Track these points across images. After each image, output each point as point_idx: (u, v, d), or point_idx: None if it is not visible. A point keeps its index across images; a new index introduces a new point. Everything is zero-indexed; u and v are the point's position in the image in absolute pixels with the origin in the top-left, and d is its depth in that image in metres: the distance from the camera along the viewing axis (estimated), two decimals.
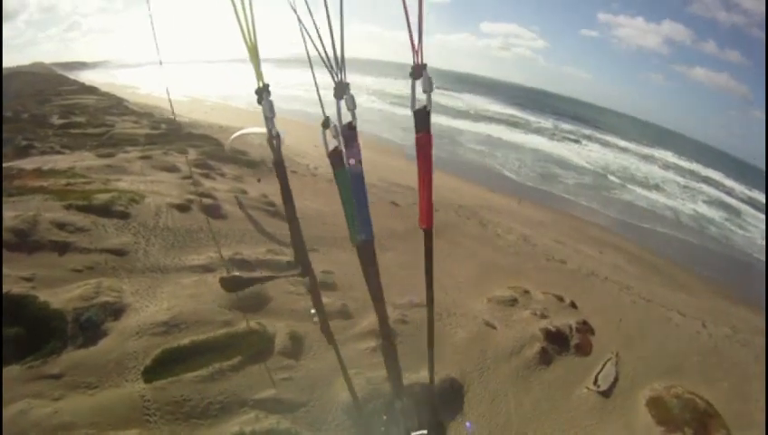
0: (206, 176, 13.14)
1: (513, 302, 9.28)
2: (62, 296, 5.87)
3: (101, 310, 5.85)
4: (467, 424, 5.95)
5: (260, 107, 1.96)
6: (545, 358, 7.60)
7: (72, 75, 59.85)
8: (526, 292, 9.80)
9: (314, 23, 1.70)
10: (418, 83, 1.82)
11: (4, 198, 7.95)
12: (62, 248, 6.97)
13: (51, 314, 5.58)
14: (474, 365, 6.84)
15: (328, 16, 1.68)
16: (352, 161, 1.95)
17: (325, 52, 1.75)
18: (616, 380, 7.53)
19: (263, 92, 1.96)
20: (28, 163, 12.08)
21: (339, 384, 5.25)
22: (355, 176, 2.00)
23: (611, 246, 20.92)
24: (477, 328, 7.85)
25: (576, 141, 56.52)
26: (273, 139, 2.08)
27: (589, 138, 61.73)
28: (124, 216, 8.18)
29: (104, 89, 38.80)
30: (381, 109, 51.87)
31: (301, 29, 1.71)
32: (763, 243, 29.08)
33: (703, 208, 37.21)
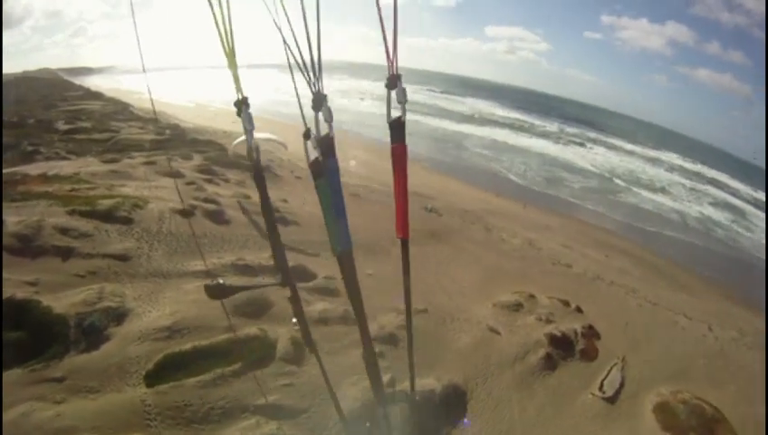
0: (210, 181, 13.17)
1: (517, 307, 9.22)
2: (64, 301, 5.87)
3: (104, 315, 5.84)
4: (465, 421, 5.90)
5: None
6: (550, 363, 7.54)
7: (78, 81, 60.27)
8: (531, 296, 9.74)
9: (293, 34, 1.70)
10: (395, 94, 1.82)
11: (8, 204, 7.99)
12: (66, 253, 6.98)
13: (53, 318, 5.58)
14: (477, 371, 6.79)
15: (306, 28, 1.67)
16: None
17: (303, 63, 1.75)
18: (622, 385, 7.45)
19: (242, 105, 1.97)
20: (33, 168, 12.14)
21: (341, 390, 5.22)
22: (333, 186, 2.00)
23: (617, 249, 20.85)
24: (481, 334, 7.80)
25: (581, 145, 56.48)
26: (253, 151, 2.08)
27: (594, 141, 61.65)
28: (127, 221, 8.20)
29: (110, 94, 39.01)
30: (384, 114, 51.80)
31: (284, 43, 1.71)
32: None
33: (709, 210, 37.04)
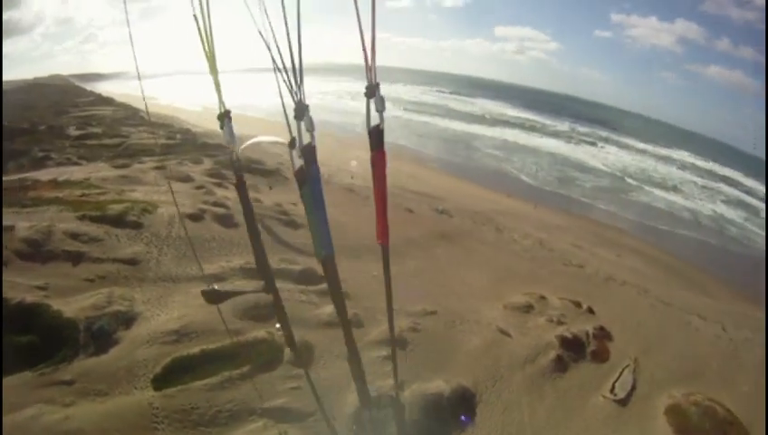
0: (220, 185, 13.22)
1: (528, 308, 9.15)
2: (74, 305, 5.93)
3: (113, 319, 5.88)
4: (463, 417, 5.85)
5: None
6: (561, 365, 7.45)
7: (90, 87, 60.91)
8: (542, 298, 9.66)
9: (277, 46, 1.69)
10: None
11: (19, 209, 8.08)
12: (76, 258, 7.04)
13: (63, 322, 5.63)
14: (487, 374, 6.73)
15: (289, 41, 1.67)
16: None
17: (286, 73, 1.75)
18: (633, 387, 7.35)
19: (224, 118, 1.98)
20: (44, 174, 12.28)
21: (346, 394, 5.19)
22: (315, 194, 2.00)
23: (629, 249, 20.67)
24: (491, 335, 7.75)
25: (593, 144, 56.02)
26: (235, 162, 2.11)
27: (605, 140, 61.10)
28: (137, 226, 8.25)
29: (121, 99, 39.34)
30: (396, 116, 51.93)
31: (273, 63, 1.71)
32: None
33: (722, 208, 36.56)
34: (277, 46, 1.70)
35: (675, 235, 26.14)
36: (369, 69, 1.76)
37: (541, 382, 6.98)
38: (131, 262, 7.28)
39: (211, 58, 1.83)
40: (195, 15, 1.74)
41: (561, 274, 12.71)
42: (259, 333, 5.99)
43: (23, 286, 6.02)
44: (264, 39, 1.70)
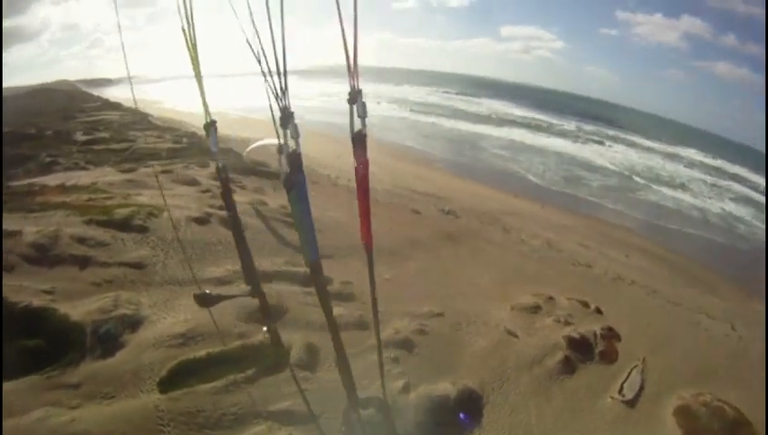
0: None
1: (536, 309, 9.09)
2: (81, 309, 5.96)
3: (119, 322, 5.91)
4: (461, 416, 5.82)
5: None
6: (568, 367, 7.39)
7: (97, 92, 61.23)
8: (550, 298, 9.60)
9: (264, 54, 1.70)
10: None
11: (26, 214, 8.14)
12: (83, 262, 7.08)
13: (70, 326, 5.67)
14: (494, 375, 6.70)
15: (274, 48, 1.67)
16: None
17: (272, 79, 1.75)
18: (642, 388, 7.27)
19: (209, 128, 2.01)
20: (51, 179, 12.36)
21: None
22: (301, 199, 2.01)
23: (638, 248, 20.56)
24: (498, 337, 7.71)
25: (600, 143, 55.85)
26: (221, 171, 2.12)
27: (613, 138, 60.89)
28: (143, 230, 8.29)
29: (128, 104, 39.59)
30: (403, 117, 52.02)
31: (262, 73, 1.72)
32: None
33: (731, 206, 36.29)
34: (264, 54, 1.70)
35: (683, 233, 25.97)
36: (352, 75, 1.76)
37: (548, 384, 6.93)
38: (138, 266, 7.31)
39: (197, 69, 1.85)
40: (183, 29, 1.76)
41: (568, 274, 12.65)
42: (265, 335, 5.99)
43: (30, 290, 6.06)
44: (251, 48, 1.71)
